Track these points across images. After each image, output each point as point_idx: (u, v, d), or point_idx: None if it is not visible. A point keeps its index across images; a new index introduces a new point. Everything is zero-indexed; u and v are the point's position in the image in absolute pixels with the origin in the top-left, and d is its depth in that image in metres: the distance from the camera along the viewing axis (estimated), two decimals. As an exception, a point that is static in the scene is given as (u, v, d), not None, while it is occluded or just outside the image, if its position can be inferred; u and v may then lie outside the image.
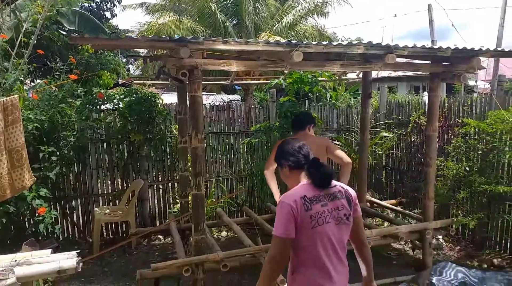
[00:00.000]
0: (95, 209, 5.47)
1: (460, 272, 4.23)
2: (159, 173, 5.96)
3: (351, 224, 1.99)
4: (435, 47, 3.64)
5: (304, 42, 3.28)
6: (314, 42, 3.31)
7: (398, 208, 5.48)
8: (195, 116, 3.50)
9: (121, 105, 5.46)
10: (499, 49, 3.81)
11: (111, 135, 5.56)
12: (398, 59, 4.36)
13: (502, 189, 4.08)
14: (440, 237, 5.17)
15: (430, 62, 4.21)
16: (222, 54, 3.56)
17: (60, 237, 5.21)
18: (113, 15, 16.32)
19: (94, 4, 15.00)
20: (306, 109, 6.52)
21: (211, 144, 6.10)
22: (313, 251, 1.89)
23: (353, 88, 10.91)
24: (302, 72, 5.81)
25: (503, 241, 4.80)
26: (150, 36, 3.38)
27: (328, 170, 1.98)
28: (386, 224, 5.69)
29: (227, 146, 6.21)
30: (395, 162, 6.56)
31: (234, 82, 6.68)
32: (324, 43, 3.32)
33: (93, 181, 5.61)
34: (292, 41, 3.36)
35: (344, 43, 3.44)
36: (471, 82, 16.94)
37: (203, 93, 15.43)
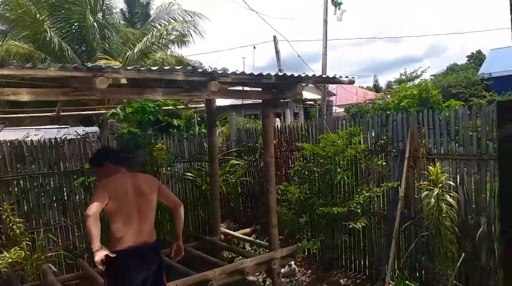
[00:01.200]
0: None
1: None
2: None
3: None
4: (258, 74, 3.53)
5: (106, 65, 2.81)
6: (118, 66, 2.87)
7: (251, 238, 5.30)
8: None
9: None
10: (317, 75, 3.91)
11: None
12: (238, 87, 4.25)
13: (337, 210, 4.15)
14: (292, 262, 5.10)
15: (261, 90, 4.14)
16: (19, 81, 2.92)
17: None
18: None
19: None
20: (175, 138, 6.28)
21: (36, 186, 5.13)
22: None
23: (222, 116, 10.73)
24: (142, 101, 5.38)
25: (348, 260, 4.93)
26: None
27: None
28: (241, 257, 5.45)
29: (58, 189, 5.31)
30: (249, 188, 6.46)
31: (69, 113, 5.86)
32: (130, 68, 2.90)
33: None
34: (97, 66, 2.87)
35: (156, 68, 3.08)
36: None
37: (58, 126, 13.75)
